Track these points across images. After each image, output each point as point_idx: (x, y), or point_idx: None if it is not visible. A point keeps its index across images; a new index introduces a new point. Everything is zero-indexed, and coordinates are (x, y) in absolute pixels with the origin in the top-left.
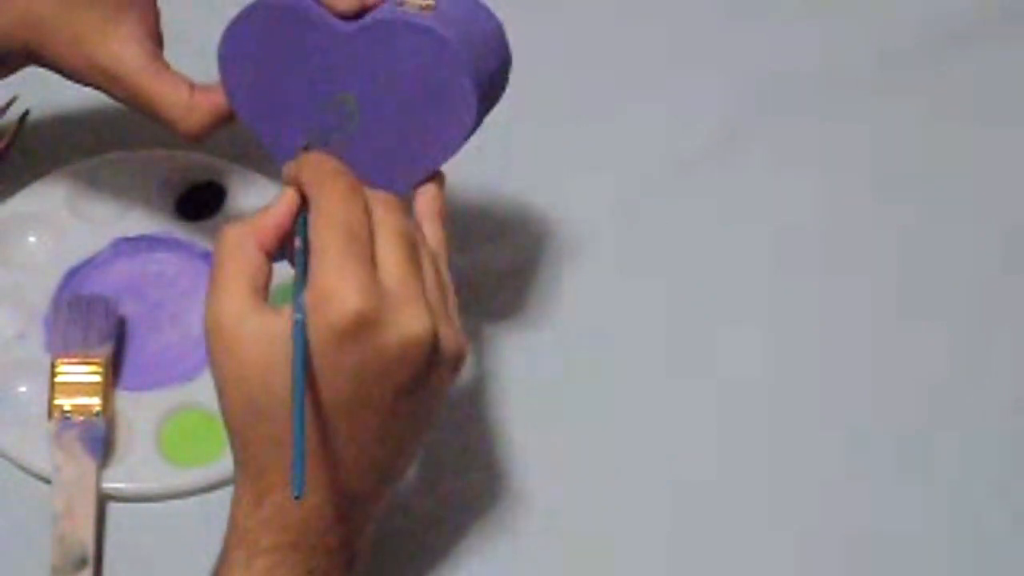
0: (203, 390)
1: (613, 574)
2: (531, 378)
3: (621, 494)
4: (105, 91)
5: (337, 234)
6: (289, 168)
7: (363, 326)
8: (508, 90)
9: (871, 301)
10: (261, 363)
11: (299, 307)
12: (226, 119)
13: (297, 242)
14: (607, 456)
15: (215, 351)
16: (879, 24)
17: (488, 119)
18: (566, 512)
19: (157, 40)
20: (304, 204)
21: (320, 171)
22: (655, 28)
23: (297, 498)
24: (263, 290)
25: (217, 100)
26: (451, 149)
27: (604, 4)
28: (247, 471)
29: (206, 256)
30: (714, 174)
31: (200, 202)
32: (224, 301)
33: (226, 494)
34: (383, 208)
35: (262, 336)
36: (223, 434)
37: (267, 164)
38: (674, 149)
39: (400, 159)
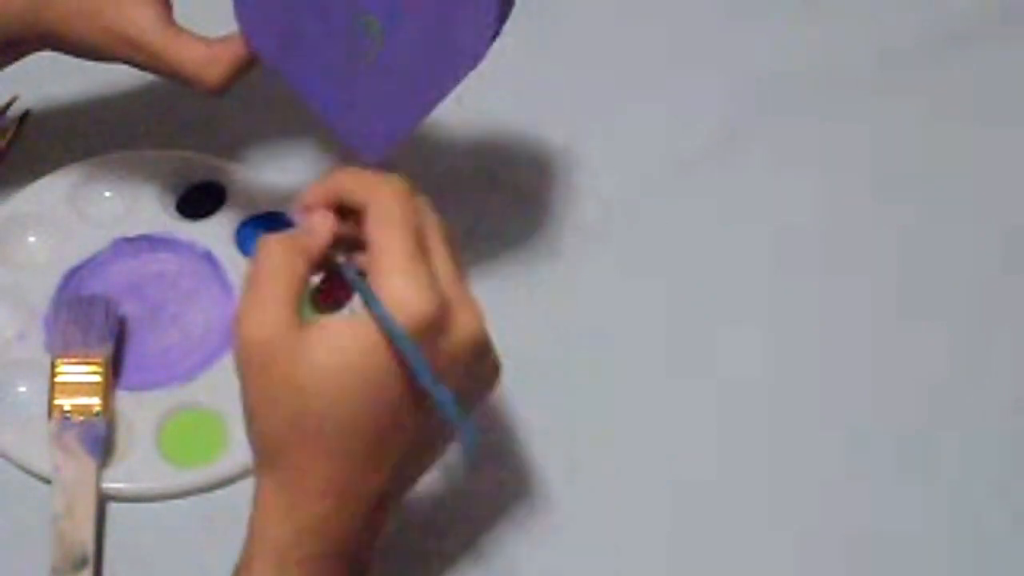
0: (203, 390)
1: (614, 574)
2: (531, 378)
3: (621, 494)
4: (125, 60)
5: (404, 237)
6: (317, 189)
7: (433, 329)
8: (508, 90)
9: (871, 301)
10: (308, 378)
11: (374, 301)
12: (248, 66)
13: (339, 259)
14: (607, 456)
15: (252, 363)
16: (879, 24)
17: (488, 118)
18: (566, 512)
19: (166, 2)
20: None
21: (368, 179)
22: (655, 28)
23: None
24: (300, 306)
25: (236, 48)
26: (475, 58)
27: (604, 4)
28: (277, 480)
29: (206, 256)
30: (714, 174)
31: (200, 202)
32: (268, 312)
33: (226, 494)
34: (420, 200)
35: (307, 352)
36: (223, 434)
37: (267, 164)
38: (674, 149)
39: (426, 75)
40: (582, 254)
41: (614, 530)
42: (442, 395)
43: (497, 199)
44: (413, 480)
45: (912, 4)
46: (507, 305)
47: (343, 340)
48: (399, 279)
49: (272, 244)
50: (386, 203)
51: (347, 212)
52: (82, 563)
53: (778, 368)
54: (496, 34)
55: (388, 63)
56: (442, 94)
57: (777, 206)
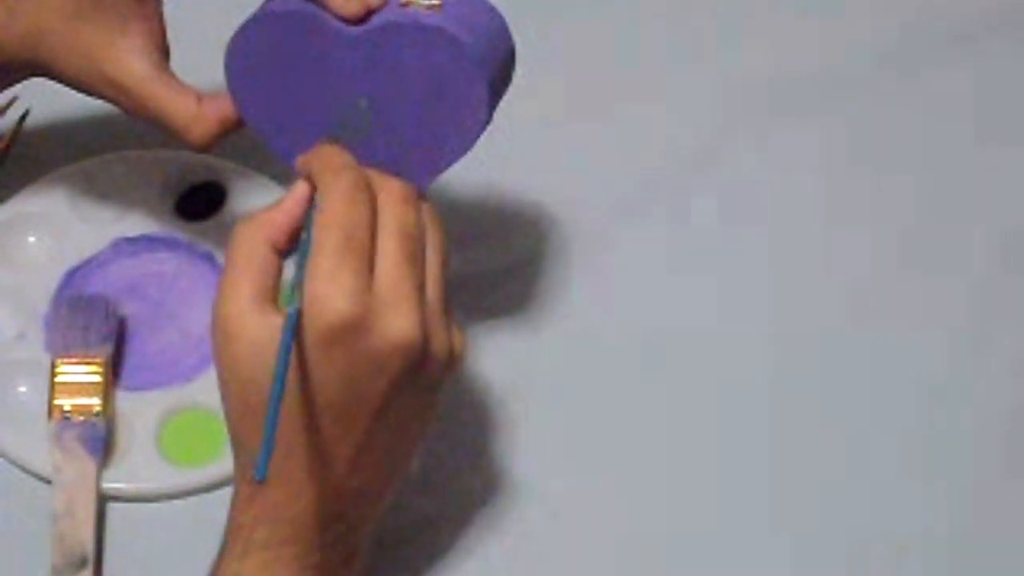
0: (203, 390)
1: (614, 571)
2: (531, 377)
3: (621, 493)
4: (113, 102)
5: (334, 234)
6: (302, 160)
7: (349, 331)
8: (508, 90)
9: (871, 301)
10: (257, 361)
11: (293, 301)
12: (234, 127)
13: (303, 236)
14: (607, 455)
15: (216, 347)
16: (879, 24)
17: None
18: (566, 511)
19: (164, 50)
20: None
21: (328, 164)
22: (655, 28)
23: (259, 481)
24: (271, 288)
25: (225, 108)
26: (465, 146)
27: (604, 4)
28: (242, 467)
29: (206, 256)
30: (714, 174)
31: (200, 202)
32: (229, 299)
33: (226, 494)
34: (390, 201)
35: (260, 335)
36: (223, 434)
37: (267, 164)
38: (674, 149)
39: (414, 160)
40: (581, 254)
41: (614, 530)
42: (279, 377)
43: (495, 200)
44: (386, 475)
45: (912, 4)
46: (506, 305)
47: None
48: (324, 277)
49: (237, 226)
50: (329, 199)
51: None
52: (82, 563)
53: (778, 368)
54: (488, 122)
55: (376, 144)
56: (429, 178)
57: (777, 206)
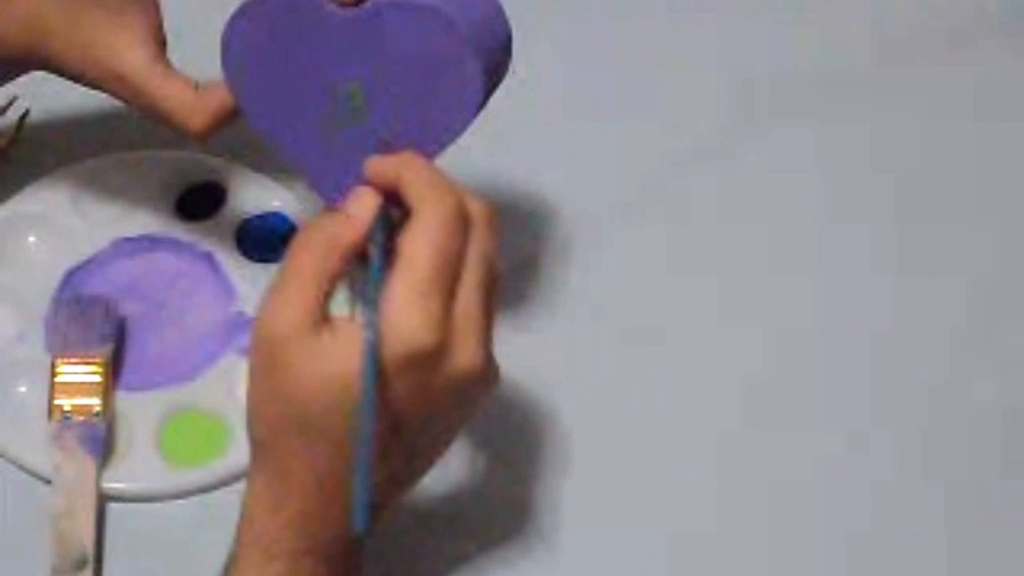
0: (203, 390)
1: (614, 572)
2: (530, 378)
3: (620, 493)
4: (111, 93)
5: (431, 259)
6: (380, 166)
7: (428, 359)
8: (508, 90)
9: (871, 301)
10: (309, 381)
11: (370, 324)
12: (232, 116)
13: (372, 251)
14: (606, 455)
15: (262, 355)
16: (879, 24)
17: (487, 118)
18: (567, 511)
19: (161, 41)
20: (384, 206)
21: (427, 182)
22: (655, 28)
23: (359, 533)
24: (327, 302)
25: (222, 98)
26: (458, 130)
27: (604, 4)
28: (267, 475)
29: (206, 256)
30: (714, 174)
31: (200, 202)
32: (287, 310)
33: (226, 494)
34: (480, 228)
35: (318, 354)
36: (223, 434)
37: (267, 164)
38: (674, 149)
39: (408, 143)
40: (581, 254)
41: (614, 527)
42: (368, 415)
43: (494, 200)
44: (406, 486)
45: (912, 4)
46: (506, 305)
47: (343, 349)
48: (404, 303)
49: (307, 234)
50: (427, 219)
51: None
52: (82, 563)
53: (777, 368)
54: (482, 107)
55: (371, 129)
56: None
57: (776, 206)
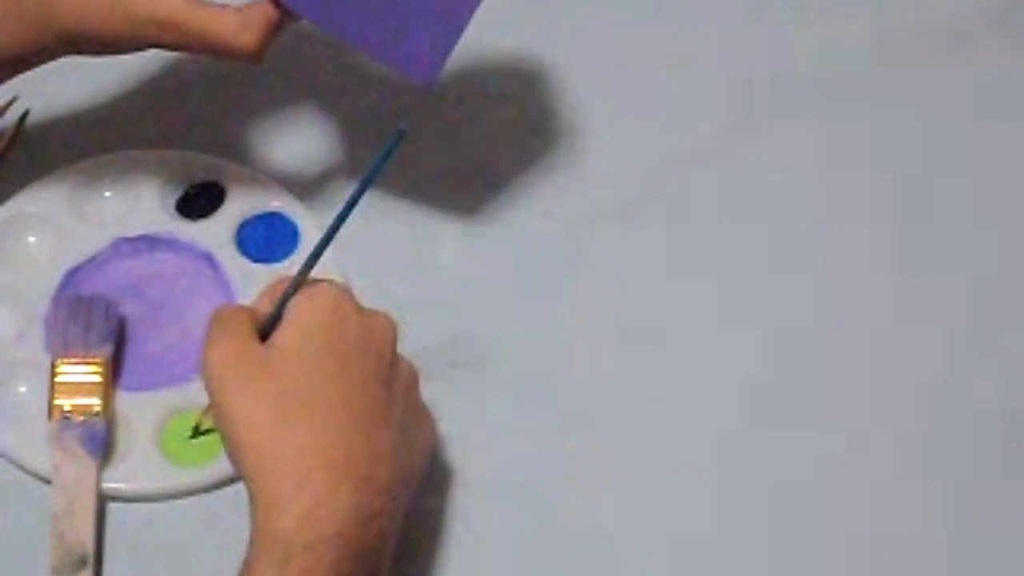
0: (203, 390)
1: (614, 572)
2: (530, 378)
3: (620, 493)
4: (152, 43)
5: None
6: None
7: (342, 313)
8: (507, 91)
9: (871, 301)
10: (279, 362)
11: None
12: (281, 26)
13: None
14: (606, 455)
15: (224, 380)
16: (878, 24)
17: (487, 119)
18: (567, 510)
19: None
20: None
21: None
22: (655, 28)
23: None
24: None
25: (267, 11)
26: None
27: (604, 4)
28: (273, 477)
29: (206, 256)
30: (714, 174)
31: (200, 202)
32: (228, 339)
33: (226, 494)
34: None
35: (270, 347)
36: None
37: (267, 164)
38: (674, 149)
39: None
40: (582, 254)
41: (615, 522)
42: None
43: (495, 200)
44: (411, 469)
45: (912, 4)
46: (506, 305)
47: (302, 319)
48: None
49: (221, 308)
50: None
51: None
52: (82, 563)
53: (778, 368)
54: None
55: None
56: (474, 4)
57: (776, 206)
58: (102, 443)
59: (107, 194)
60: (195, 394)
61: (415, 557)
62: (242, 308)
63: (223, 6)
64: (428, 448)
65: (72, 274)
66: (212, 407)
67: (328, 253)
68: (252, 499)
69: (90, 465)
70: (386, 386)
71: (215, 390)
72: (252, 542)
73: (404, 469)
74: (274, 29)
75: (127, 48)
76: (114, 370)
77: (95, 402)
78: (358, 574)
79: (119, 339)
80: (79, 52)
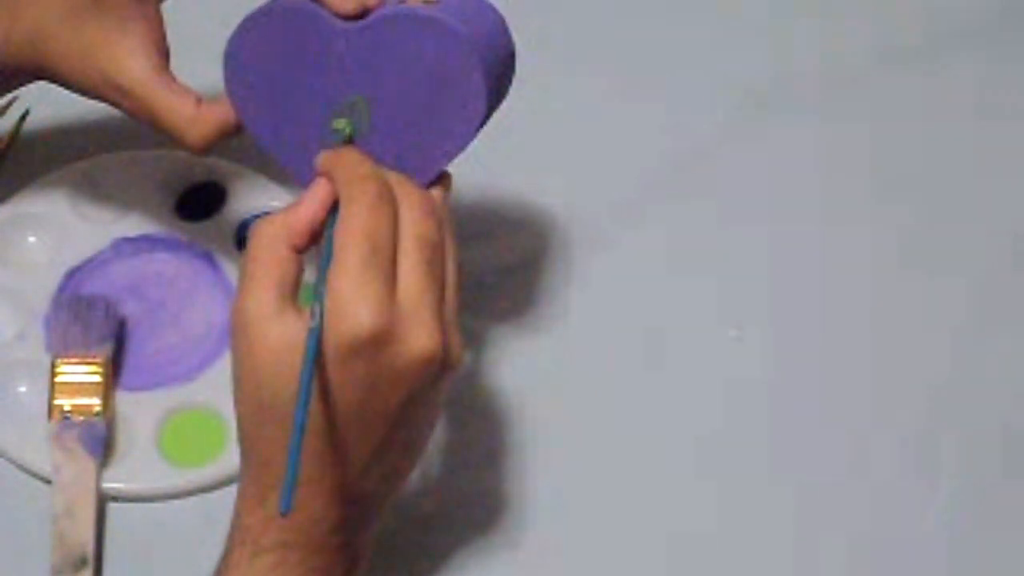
0: (203, 390)
1: (614, 571)
2: (531, 378)
3: (621, 493)
4: (113, 103)
5: (360, 244)
6: (323, 160)
7: (375, 343)
8: (509, 90)
9: (871, 301)
10: (276, 366)
11: (315, 314)
12: (234, 131)
13: (324, 241)
14: (606, 455)
15: (235, 348)
16: (879, 24)
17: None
18: (566, 511)
19: (164, 52)
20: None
21: (353, 173)
22: (655, 28)
23: (283, 514)
24: (292, 290)
25: (224, 112)
26: (462, 143)
27: (604, 4)
28: (251, 469)
29: (206, 256)
30: (714, 174)
31: (200, 202)
32: (249, 300)
33: (226, 494)
34: (410, 210)
35: (280, 339)
36: (223, 434)
37: (267, 164)
38: (674, 149)
39: (412, 157)
40: (581, 254)
41: (614, 526)
42: (301, 404)
43: (495, 200)
44: (393, 479)
45: (912, 3)
46: (506, 305)
47: (302, 335)
48: (349, 289)
49: (259, 226)
50: (355, 209)
51: None
52: (82, 563)
53: (778, 368)
54: (485, 121)
55: (375, 141)
56: (429, 174)
57: (776, 206)
58: (102, 443)
59: (107, 194)
60: (195, 394)
61: (415, 557)
62: (285, 242)
63: (187, 90)
64: (422, 450)
65: (72, 274)
66: (231, 351)
67: None
68: (239, 484)
69: (90, 465)
70: (400, 409)
71: (232, 342)
72: (231, 529)
73: (390, 477)
74: (226, 132)
75: (95, 98)
76: (114, 370)
77: (95, 402)
78: (329, 569)
79: (119, 339)
80: (57, 85)
